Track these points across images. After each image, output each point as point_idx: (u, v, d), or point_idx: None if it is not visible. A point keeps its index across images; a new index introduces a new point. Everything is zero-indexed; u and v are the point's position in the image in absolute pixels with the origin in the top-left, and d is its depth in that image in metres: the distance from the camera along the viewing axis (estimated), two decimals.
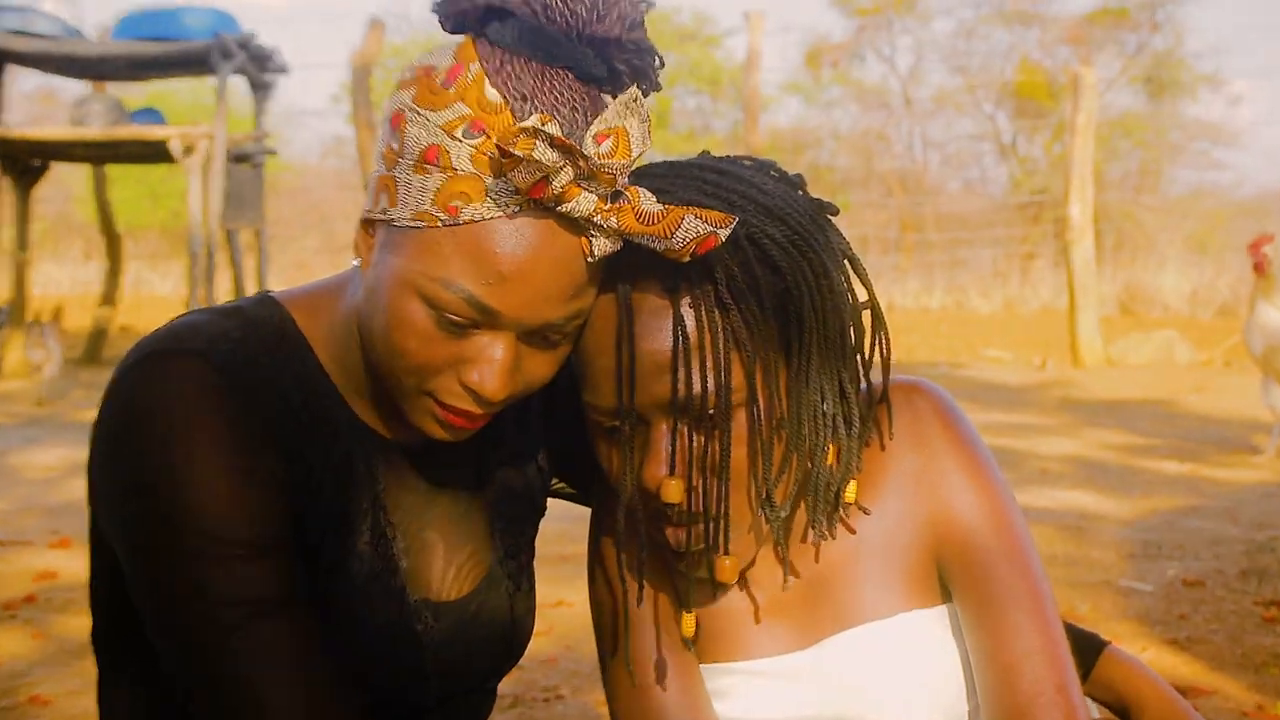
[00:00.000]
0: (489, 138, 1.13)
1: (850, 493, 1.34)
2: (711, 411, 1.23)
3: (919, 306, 20.59)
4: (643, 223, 1.16)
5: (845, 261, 1.32)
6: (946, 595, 1.35)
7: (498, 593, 1.39)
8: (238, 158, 13.19)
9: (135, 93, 15.93)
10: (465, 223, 1.14)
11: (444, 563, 1.35)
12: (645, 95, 1.19)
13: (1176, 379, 10.96)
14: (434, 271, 1.15)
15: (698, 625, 1.38)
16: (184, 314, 1.26)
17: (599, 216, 1.14)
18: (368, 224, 1.21)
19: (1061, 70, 24.89)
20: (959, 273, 21.59)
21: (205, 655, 1.13)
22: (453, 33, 1.20)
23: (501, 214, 1.13)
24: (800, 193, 1.33)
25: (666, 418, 1.24)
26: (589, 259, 1.17)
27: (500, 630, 1.39)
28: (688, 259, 1.18)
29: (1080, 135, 12.23)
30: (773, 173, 1.34)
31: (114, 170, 15.66)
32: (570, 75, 1.17)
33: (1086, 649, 1.49)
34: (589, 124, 1.15)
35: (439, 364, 1.19)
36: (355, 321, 1.26)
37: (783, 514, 1.29)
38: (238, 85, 14.62)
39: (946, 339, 15.06)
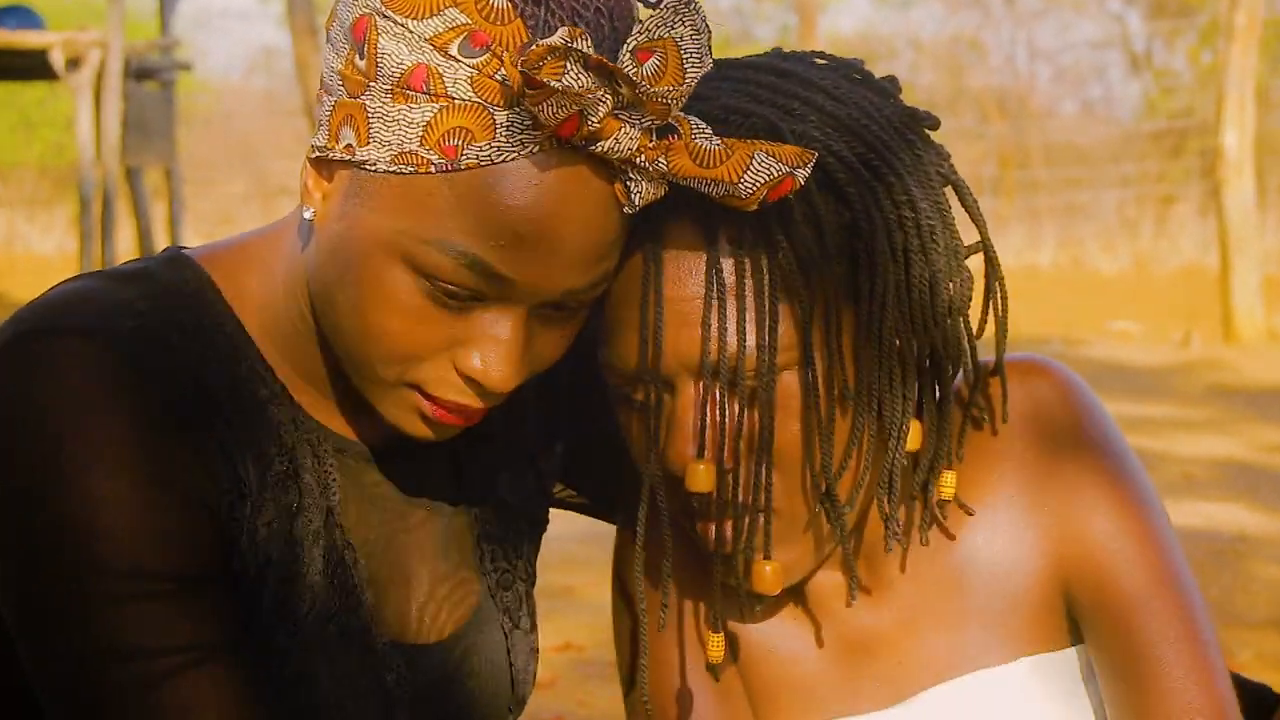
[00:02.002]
0: (495, 56, 1.12)
1: (948, 486, 1.34)
2: (751, 375, 1.24)
3: (1023, 265, 20.54)
4: (700, 164, 1.15)
5: (948, 190, 1.32)
6: (1076, 635, 1.36)
7: (490, 633, 1.40)
8: (140, 74, 13.23)
9: None
10: (468, 168, 1.13)
11: (421, 596, 1.35)
12: None
13: None
14: (426, 231, 1.14)
15: (751, 674, 1.39)
16: (70, 279, 1.25)
17: (643, 158, 1.14)
18: (321, 164, 1.20)
19: None
20: (1075, 221, 21.52)
21: None
22: None
23: (516, 155, 1.13)
24: (891, 101, 1.33)
25: (697, 383, 1.25)
26: (625, 210, 1.16)
27: (494, 681, 1.40)
28: (755, 208, 1.18)
29: (1240, 40, 12.17)
30: (854, 74, 1.34)
31: None
32: None
33: (1256, 706, 1.49)
34: (619, 34, 1.14)
35: (430, 348, 1.19)
36: (301, 287, 1.25)
37: (847, 510, 1.29)
38: None
39: (1060, 307, 15.02)
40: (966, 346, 1.34)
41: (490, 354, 1.18)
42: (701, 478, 1.25)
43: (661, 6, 1.12)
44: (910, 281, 1.28)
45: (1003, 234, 21.13)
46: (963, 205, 1.32)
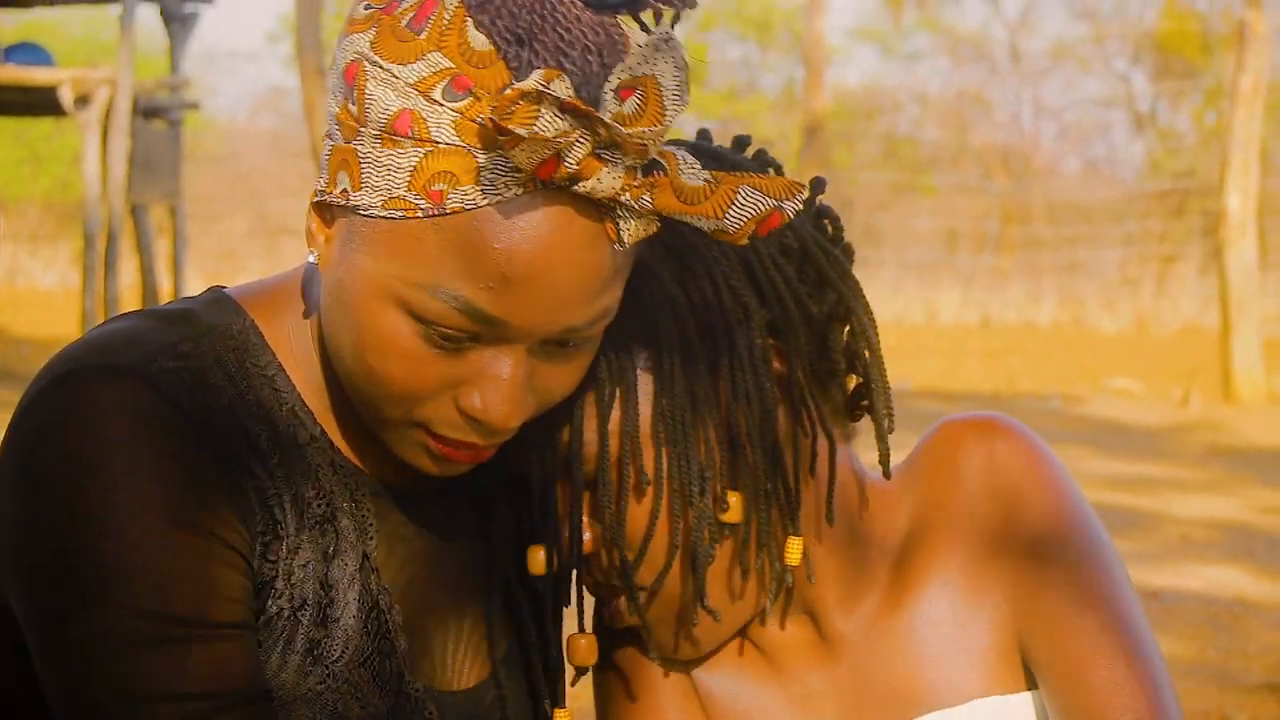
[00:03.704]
0: (476, 99, 1.13)
1: (792, 554, 1.35)
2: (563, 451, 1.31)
3: (1024, 321, 20.60)
4: (684, 200, 1.16)
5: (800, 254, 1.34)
6: (1032, 680, 1.39)
7: (519, 679, 1.40)
8: (148, 112, 13.27)
9: (9, 22, 16.04)
10: (453, 211, 1.14)
11: (454, 641, 1.36)
12: (675, 23, 1.18)
13: None
14: (417, 275, 1.15)
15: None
16: (114, 319, 1.26)
17: (627, 195, 1.14)
18: (323, 209, 1.22)
19: (1220, 17, 24.89)
20: (1077, 279, 21.59)
21: None
22: None
23: (499, 198, 1.13)
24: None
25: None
26: (616, 247, 1.17)
27: None
28: (745, 242, 1.18)
29: (1244, 102, 12.23)
30: (715, 153, 1.35)
31: None
32: (576, 1, 1.16)
33: None
34: (607, 70, 1.15)
35: (430, 389, 1.19)
36: (321, 331, 1.27)
37: (651, 583, 1.32)
38: (148, 16, 14.73)
39: (1059, 364, 15.05)
40: (810, 420, 1.33)
41: (491, 393, 1.19)
42: (534, 559, 1.34)
43: (644, 43, 1.12)
44: (716, 359, 1.30)
45: (1004, 290, 21.20)
46: (823, 270, 1.34)
